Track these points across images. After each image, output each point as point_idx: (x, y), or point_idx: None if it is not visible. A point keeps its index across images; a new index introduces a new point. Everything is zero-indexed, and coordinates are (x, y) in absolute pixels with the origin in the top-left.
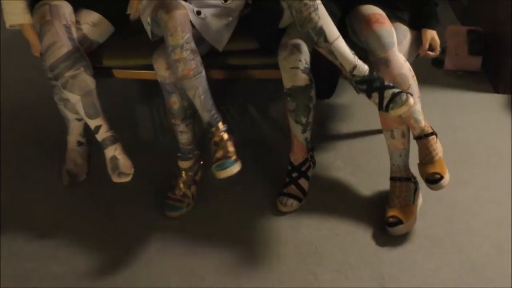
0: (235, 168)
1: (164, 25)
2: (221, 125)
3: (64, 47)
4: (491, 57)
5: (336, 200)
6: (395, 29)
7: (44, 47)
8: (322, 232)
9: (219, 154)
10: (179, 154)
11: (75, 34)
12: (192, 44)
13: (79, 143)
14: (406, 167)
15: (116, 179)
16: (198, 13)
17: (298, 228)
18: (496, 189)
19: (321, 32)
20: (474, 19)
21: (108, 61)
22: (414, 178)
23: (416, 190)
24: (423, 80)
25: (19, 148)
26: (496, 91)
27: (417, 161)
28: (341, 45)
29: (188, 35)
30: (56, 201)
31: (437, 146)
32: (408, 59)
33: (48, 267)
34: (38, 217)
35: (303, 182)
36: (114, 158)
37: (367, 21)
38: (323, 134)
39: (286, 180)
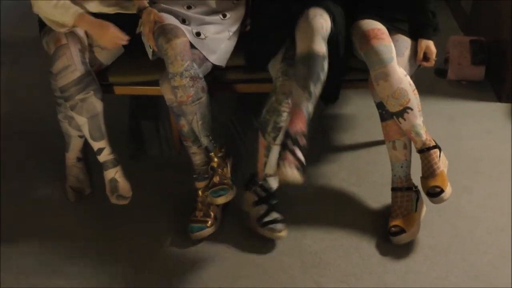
0: (229, 195)
1: (164, 53)
2: (218, 151)
3: (77, 71)
4: (494, 66)
5: (340, 210)
6: (396, 41)
7: (56, 69)
8: (326, 243)
9: (216, 179)
10: (194, 176)
11: (87, 58)
12: (192, 71)
13: (78, 159)
14: (408, 177)
15: (114, 200)
16: (198, 34)
17: (302, 239)
18: (499, 197)
19: (277, 130)
20: (476, 29)
21: (113, 78)
22: (416, 187)
23: (418, 198)
24: (426, 90)
25: (21, 161)
26: (500, 100)
27: (420, 172)
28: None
29: (187, 63)
30: (61, 215)
31: (440, 160)
32: (409, 70)
33: (54, 282)
34: (42, 231)
35: (298, 152)
36: (113, 180)
37: (366, 37)
38: (327, 145)
39: (279, 149)
